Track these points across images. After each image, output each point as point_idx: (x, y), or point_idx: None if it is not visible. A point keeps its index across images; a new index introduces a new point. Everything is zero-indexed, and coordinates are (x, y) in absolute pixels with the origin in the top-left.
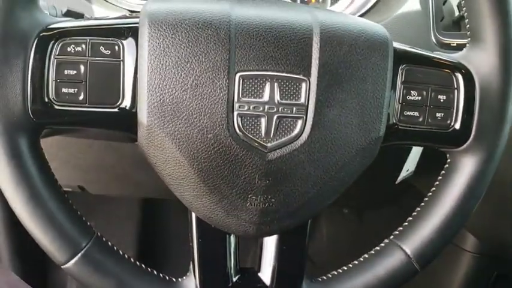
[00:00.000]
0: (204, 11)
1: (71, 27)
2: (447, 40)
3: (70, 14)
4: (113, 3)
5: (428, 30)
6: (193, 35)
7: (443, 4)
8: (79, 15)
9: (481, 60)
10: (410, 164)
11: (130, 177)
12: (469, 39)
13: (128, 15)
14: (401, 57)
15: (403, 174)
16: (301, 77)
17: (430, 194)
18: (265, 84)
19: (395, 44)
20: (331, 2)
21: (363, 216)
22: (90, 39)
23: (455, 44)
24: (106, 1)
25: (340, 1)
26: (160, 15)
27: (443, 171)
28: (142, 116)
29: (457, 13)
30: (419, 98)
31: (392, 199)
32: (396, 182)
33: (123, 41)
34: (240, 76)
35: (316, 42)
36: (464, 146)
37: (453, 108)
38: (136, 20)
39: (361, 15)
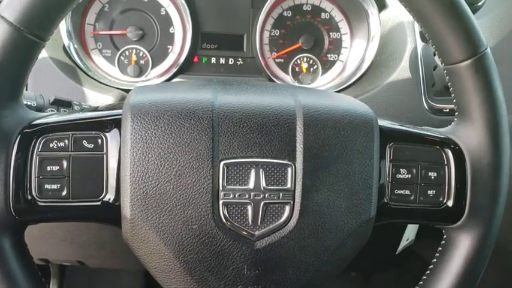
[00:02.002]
0: (187, 100)
1: (54, 122)
2: (439, 106)
3: (57, 102)
4: (105, 84)
5: (420, 97)
6: (176, 125)
7: (434, 70)
8: (66, 104)
9: (470, 135)
10: (409, 234)
11: (129, 252)
12: (456, 113)
13: (112, 104)
14: (388, 135)
15: (403, 243)
16: (286, 162)
17: (428, 271)
18: (250, 171)
19: (381, 122)
20: (322, 72)
21: (370, 279)
22: (72, 134)
23: (447, 110)
24: (98, 82)
25: (331, 70)
26: (143, 107)
27: (440, 248)
28: (126, 209)
29: None
30: (409, 175)
31: (397, 263)
32: (397, 252)
33: (107, 133)
34: (224, 164)
35: (299, 126)
36: (459, 222)
37: (445, 185)
38: (120, 111)
39: (352, 84)
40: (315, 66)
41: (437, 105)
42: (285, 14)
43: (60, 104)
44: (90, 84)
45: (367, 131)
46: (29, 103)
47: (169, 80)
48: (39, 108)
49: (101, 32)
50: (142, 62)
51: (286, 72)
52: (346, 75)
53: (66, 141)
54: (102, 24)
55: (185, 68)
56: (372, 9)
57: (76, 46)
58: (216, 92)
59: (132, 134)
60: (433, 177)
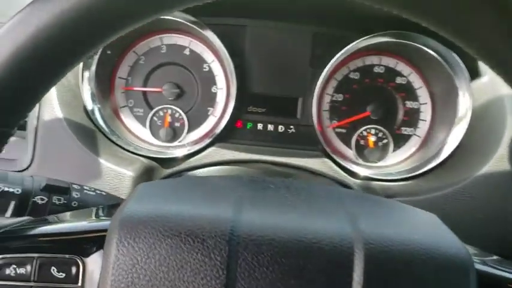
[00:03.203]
0: (200, 217)
1: (14, 237)
2: None
3: (50, 189)
4: (130, 151)
5: None
6: (179, 257)
7: None
8: (63, 190)
9: None
10: None
11: None
12: None
13: (99, 216)
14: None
15: None
16: None
17: None
18: None
19: (479, 266)
20: (394, 148)
21: None
22: (38, 257)
23: None
24: (121, 148)
25: (404, 147)
26: (137, 223)
27: None
28: None
29: None
30: None
31: None
32: None
33: (85, 258)
34: None
35: (358, 275)
36: None
37: None
38: (107, 226)
39: (430, 171)
40: (385, 141)
41: None
42: (351, 76)
43: (54, 190)
44: (109, 153)
45: (459, 280)
46: (11, 190)
47: (206, 147)
48: (26, 196)
49: (134, 88)
50: (177, 124)
51: (348, 146)
52: (423, 156)
53: (29, 266)
54: (135, 79)
55: (225, 135)
56: (461, 77)
57: (100, 106)
58: (240, 204)
59: (115, 263)
60: None
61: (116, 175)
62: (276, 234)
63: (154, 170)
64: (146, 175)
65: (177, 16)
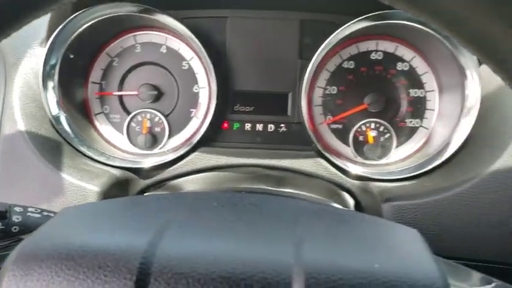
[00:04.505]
0: (106, 253)
1: None
2: None
3: None
4: (102, 162)
5: None
6: None
7: None
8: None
9: None
10: None
11: None
12: None
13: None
14: None
15: None
16: None
17: None
18: None
19: None
20: (397, 144)
21: None
22: None
23: None
24: (91, 160)
25: (410, 142)
26: (28, 265)
27: None
28: None
29: None
30: None
31: None
32: None
33: None
34: None
35: None
36: None
37: None
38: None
39: (437, 168)
40: (387, 136)
41: None
42: (345, 65)
43: None
44: (75, 166)
45: None
46: None
47: (189, 153)
48: None
49: (109, 93)
50: (157, 129)
51: (346, 143)
52: (428, 152)
53: None
54: (110, 82)
55: (210, 138)
56: (469, 60)
57: (68, 114)
58: (163, 231)
59: None
60: None
61: (79, 191)
62: (195, 269)
63: (129, 182)
64: (118, 188)
65: (149, 11)
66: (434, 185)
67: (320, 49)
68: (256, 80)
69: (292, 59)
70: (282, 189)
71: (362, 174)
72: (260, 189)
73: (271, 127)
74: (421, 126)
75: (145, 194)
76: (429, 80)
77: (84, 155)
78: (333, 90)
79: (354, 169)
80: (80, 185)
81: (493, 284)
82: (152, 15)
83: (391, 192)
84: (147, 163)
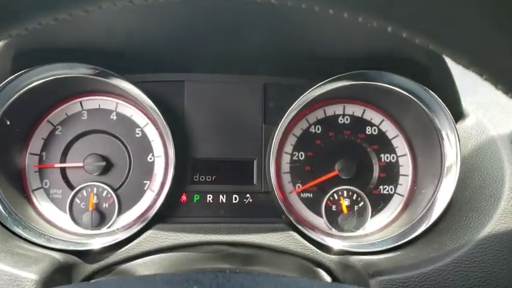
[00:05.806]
0: None
1: None
2: None
3: None
4: (38, 244)
5: None
6: None
7: None
8: None
9: None
10: None
11: None
12: None
13: None
14: None
15: None
16: None
17: None
18: None
19: None
20: (372, 213)
21: None
22: None
23: None
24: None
25: (385, 210)
26: None
27: None
28: None
29: None
30: None
31: None
32: None
33: None
34: None
35: None
36: None
37: None
38: None
39: (418, 238)
40: (361, 204)
41: None
42: (312, 130)
43: None
44: (7, 250)
45: None
46: None
47: (142, 231)
48: None
49: (49, 165)
50: (105, 205)
51: (318, 214)
52: (410, 219)
53: None
54: (51, 153)
55: (167, 213)
56: (444, 119)
57: (1, 190)
58: None
59: None
60: None
61: (12, 280)
62: None
63: (73, 267)
64: (60, 275)
65: (105, 75)
66: (422, 255)
67: (287, 113)
68: (217, 146)
69: (256, 124)
70: (250, 268)
71: (342, 248)
72: (225, 269)
73: (235, 198)
74: (395, 193)
75: (91, 281)
76: (400, 144)
77: (20, 236)
78: (301, 156)
79: (332, 243)
80: (14, 272)
81: None
82: (107, 79)
83: (377, 265)
84: (94, 245)
